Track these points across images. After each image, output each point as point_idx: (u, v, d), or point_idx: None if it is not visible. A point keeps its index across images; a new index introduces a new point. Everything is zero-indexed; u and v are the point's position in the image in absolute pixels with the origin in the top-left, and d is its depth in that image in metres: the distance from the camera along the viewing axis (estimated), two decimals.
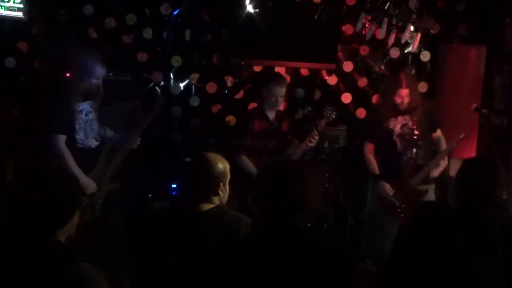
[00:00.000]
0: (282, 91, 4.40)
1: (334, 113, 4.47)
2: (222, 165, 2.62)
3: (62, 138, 4.01)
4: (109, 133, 4.32)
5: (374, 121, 4.70)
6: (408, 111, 4.54)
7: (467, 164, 2.80)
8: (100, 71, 4.09)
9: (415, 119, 4.56)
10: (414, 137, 4.57)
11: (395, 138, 4.58)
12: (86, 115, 4.15)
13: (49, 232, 2.15)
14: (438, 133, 4.69)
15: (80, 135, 4.10)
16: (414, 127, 4.56)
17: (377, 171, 4.64)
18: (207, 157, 2.62)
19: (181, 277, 2.51)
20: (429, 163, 4.50)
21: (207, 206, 2.57)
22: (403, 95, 4.47)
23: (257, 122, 4.45)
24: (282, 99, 4.49)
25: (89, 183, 4.09)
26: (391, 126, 4.58)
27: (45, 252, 2.09)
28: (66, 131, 4.03)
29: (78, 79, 4.07)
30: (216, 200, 2.61)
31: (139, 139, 4.33)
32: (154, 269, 2.58)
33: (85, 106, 4.14)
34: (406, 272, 2.36)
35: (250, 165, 4.35)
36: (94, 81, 4.07)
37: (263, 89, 4.42)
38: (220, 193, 2.61)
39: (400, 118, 4.57)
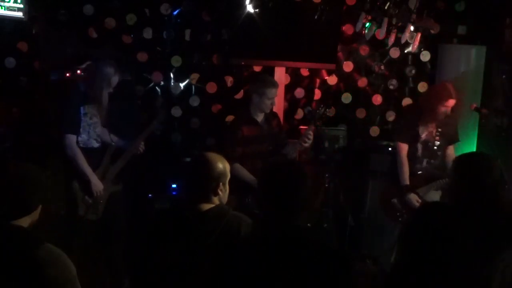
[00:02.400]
0: (276, 92, 4.35)
1: (327, 110, 4.42)
2: (222, 165, 2.62)
3: (74, 138, 4.12)
4: (114, 138, 4.38)
5: (408, 123, 4.58)
6: (440, 120, 4.48)
7: (462, 160, 2.75)
8: (117, 80, 4.25)
9: (439, 129, 4.51)
10: (435, 147, 4.53)
11: (418, 143, 4.54)
12: (90, 118, 4.20)
13: (12, 218, 2.22)
14: (452, 149, 4.62)
15: (82, 137, 4.17)
16: (437, 137, 4.53)
17: (408, 181, 4.47)
18: (207, 157, 2.62)
19: (181, 277, 2.51)
20: (439, 180, 4.43)
21: (207, 206, 2.57)
22: (450, 105, 4.39)
23: (245, 127, 4.34)
24: (274, 101, 4.44)
25: (98, 184, 4.16)
26: (419, 132, 4.53)
27: (10, 236, 2.18)
28: (77, 131, 4.14)
29: (97, 87, 4.16)
30: (216, 200, 2.61)
31: (143, 144, 4.36)
32: (154, 269, 2.57)
33: (90, 109, 4.18)
34: (415, 274, 2.35)
35: (243, 173, 4.26)
36: (110, 90, 4.23)
37: (255, 94, 4.33)
38: (220, 193, 2.61)
39: (428, 125, 4.52)
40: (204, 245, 2.45)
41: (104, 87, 4.17)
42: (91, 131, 4.21)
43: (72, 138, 4.10)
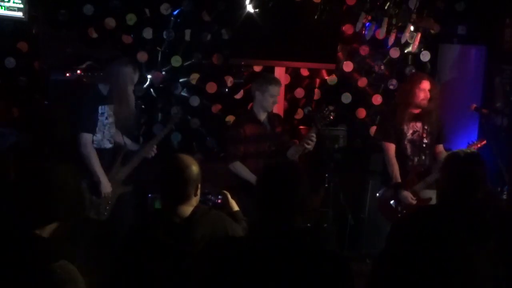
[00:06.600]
0: (278, 90, 4.35)
1: (332, 113, 4.40)
2: (197, 166, 2.61)
3: (90, 137, 4.14)
4: (127, 140, 4.40)
5: (393, 121, 4.57)
6: (423, 115, 4.49)
7: (452, 157, 2.79)
8: (137, 77, 4.30)
9: (425, 127, 4.53)
10: (424, 145, 4.54)
11: (406, 142, 4.54)
12: (106, 118, 4.21)
13: (33, 227, 2.08)
14: (441, 148, 4.63)
15: (97, 137, 4.19)
16: (424, 135, 4.54)
17: (399, 179, 4.48)
18: (184, 159, 2.59)
19: (173, 284, 2.47)
20: (433, 173, 4.39)
21: (188, 209, 2.54)
22: (425, 87, 4.40)
23: (248, 126, 4.33)
24: (277, 99, 4.45)
25: (107, 186, 4.18)
26: (404, 130, 4.53)
27: (29, 246, 2.05)
28: (93, 131, 4.16)
29: (121, 87, 4.18)
30: (194, 202, 2.59)
31: (155, 147, 4.38)
32: (143, 279, 2.51)
33: (106, 109, 4.20)
34: (400, 266, 2.43)
35: (245, 171, 4.26)
36: (133, 88, 4.28)
37: (258, 91, 4.31)
38: (198, 193, 2.61)
39: (412, 123, 4.52)
40: (199, 248, 2.42)
41: (128, 86, 4.21)
42: (106, 131, 4.22)
43: (88, 137, 4.12)
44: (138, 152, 4.38)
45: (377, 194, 4.81)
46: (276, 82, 4.34)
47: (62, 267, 2.04)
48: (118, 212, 4.30)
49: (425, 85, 4.42)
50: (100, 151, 4.18)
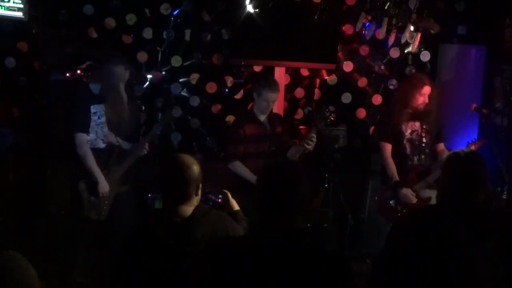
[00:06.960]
0: (274, 96, 4.32)
1: (332, 114, 4.38)
2: (197, 166, 2.60)
3: (85, 137, 4.16)
4: (120, 140, 4.40)
5: (390, 121, 4.58)
6: (421, 115, 4.50)
7: (453, 157, 2.79)
8: (128, 75, 4.33)
9: (424, 126, 4.53)
10: (423, 144, 4.55)
11: (405, 142, 4.55)
12: (98, 117, 4.22)
13: None
14: (442, 146, 4.63)
15: (91, 136, 4.20)
16: (423, 134, 4.54)
17: (397, 177, 4.49)
18: (185, 159, 2.58)
19: (173, 285, 2.46)
20: (434, 172, 4.41)
21: (189, 209, 2.53)
22: (426, 93, 4.41)
23: (248, 126, 4.34)
24: (273, 104, 4.40)
25: (105, 185, 4.19)
26: (403, 130, 4.55)
27: None
28: (88, 130, 4.18)
29: (112, 87, 4.21)
30: (195, 201, 2.59)
31: (147, 145, 4.38)
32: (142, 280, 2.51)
33: (98, 109, 4.21)
34: (400, 266, 2.44)
35: (244, 171, 4.27)
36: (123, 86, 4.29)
37: (255, 93, 4.35)
38: (199, 193, 2.61)
39: (411, 123, 4.53)
40: (200, 248, 2.42)
41: (120, 85, 4.23)
42: (99, 131, 4.24)
43: (83, 137, 4.14)
44: (132, 150, 4.38)
45: (376, 198, 4.81)
46: (274, 88, 4.31)
47: (7, 258, 2.02)
48: (116, 211, 4.30)
49: (426, 90, 4.43)
50: (94, 151, 4.19)
